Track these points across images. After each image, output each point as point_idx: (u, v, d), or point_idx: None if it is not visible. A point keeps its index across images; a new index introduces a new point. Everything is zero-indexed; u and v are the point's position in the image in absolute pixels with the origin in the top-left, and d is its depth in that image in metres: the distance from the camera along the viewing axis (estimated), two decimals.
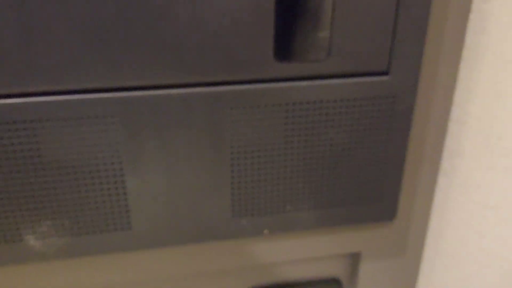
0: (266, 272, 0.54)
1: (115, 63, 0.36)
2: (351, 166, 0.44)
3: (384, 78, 0.41)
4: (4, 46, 0.34)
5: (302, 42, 0.38)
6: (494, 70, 0.40)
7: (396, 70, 0.41)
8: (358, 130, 0.42)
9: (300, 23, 0.37)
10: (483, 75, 0.41)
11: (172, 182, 0.41)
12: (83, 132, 0.38)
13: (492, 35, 0.40)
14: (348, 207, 0.46)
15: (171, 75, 0.37)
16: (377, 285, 0.54)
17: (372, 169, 0.44)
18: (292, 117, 0.41)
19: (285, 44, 0.38)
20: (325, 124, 0.42)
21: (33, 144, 0.37)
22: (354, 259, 0.54)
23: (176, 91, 0.38)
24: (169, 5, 0.35)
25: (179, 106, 0.38)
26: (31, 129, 0.37)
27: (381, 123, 0.42)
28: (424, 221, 0.50)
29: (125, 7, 0.34)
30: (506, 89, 0.39)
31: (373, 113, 0.42)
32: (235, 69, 0.38)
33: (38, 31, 0.34)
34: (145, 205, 0.41)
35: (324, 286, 0.56)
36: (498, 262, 0.43)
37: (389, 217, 0.47)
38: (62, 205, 0.40)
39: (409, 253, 0.52)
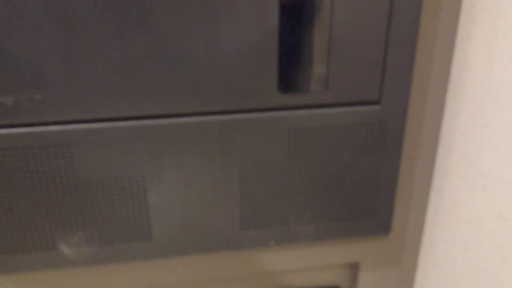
0: (270, 280, 0.59)
1: (140, 96, 0.42)
2: (348, 184, 0.49)
3: (376, 107, 0.46)
4: (49, 82, 0.40)
5: (303, 76, 0.43)
6: (476, 101, 0.45)
7: (386, 100, 0.46)
8: (353, 152, 0.47)
9: (301, 60, 0.43)
10: (467, 106, 0.46)
11: (187, 198, 0.47)
12: (111, 154, 0.43)
13: (473, 70, 0.45)
14: (346, 221, 0.51)
15: (188, 105, 0.43)
16: None
17: (368, 187, 0.49)
18: (294, 141, 0.46)
19: (287, 78, 0.43)
20: (324, 147, 0.47)
21: (68, 165, 0.43)
22: (354, 268, 0.59)
23: (192, 119, 0.43)
24: (186, 48, 0.40)
25: (194, 131, 0.44)
26: (68, 152, 0.43)
27: (374, 146, 0.47)
28: (418, 234, 0.55)
29: (149, 51, 0.40)
30: (485, 119, 0.44)
31: (367, 138, 0.47)
32: (243, 100, 0.44)
33: (78, 70, 0.40)
34: (164, 218, 0.47)
35: None
36: (480, 274, 0.48)
37: (384, 230, 0.52)
38: (92, 217, 0.46)
39: (404, 264, 0.57)
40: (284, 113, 0.45)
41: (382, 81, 0.45)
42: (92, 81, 0.40)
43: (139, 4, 0.39)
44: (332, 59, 0.43)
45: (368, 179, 0.49)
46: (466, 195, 0.47)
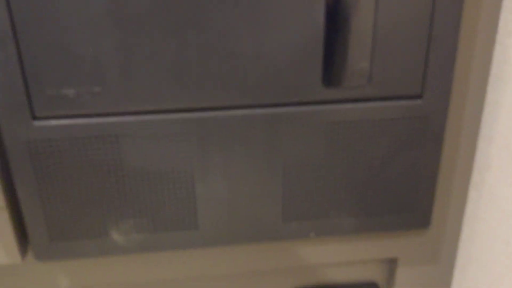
0: (309, 274, 0.60)
1: (192, 89, 0.44)
2: (388, 178, 0.50)
3: (418, 101, 0.47)
4: (108, 75, 0.42)
5: (346, 70, 0.45)
6: None
7: (428, 94, 0.47)
8: (394, 146, 0.48)
9: (345, 54, 0.44)
10: (507, 99, 0.47)
11: (233, 189, 0.48)
12: (162, 145, 0.46)
13: None
14: (386, 215, 0.51)
15: (236, 98, 0.45)
16: (409, 285, 0.59)
17: (408, 182, 0.50)
18: (336, 135, 0.47)
19: (331, 72, 0.45)
20: (365, 142, 0.48)
21: (122, 155, 0.45)
22: (391, 264, 0.59)
23: (239, 112, 0.45)
24: (236, 44, 0.42)
25: (241, 124, 0.46)
26: (122, 142, 0.45)
27: (415, 140, 0.48)
28: (457, 229, 0.55)
29: (202, 47, 0.42)
30: None
31: (408, 132, 0.48)
32: (288, 93, 0.45)
33: (135, 65, 0.42)
34: (210, 208, 0.49)
35: None
36: None
37: (424, 225, 0.53)
38: (142, 206, 0.48)
39: (443, 260, 0.57)
40: (327, 107, 0.46)
41: (424, 75, 0.46)
42: (148, 75, 0.43)
43: (194, 3, 0.41)
44: (376, 54, 0.45)
45: (408, 173, 0.50)
46: (506, 189, 0.48)
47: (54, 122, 0.44)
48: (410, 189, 0.51)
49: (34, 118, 0.44)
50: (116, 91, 0.43)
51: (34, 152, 0.44)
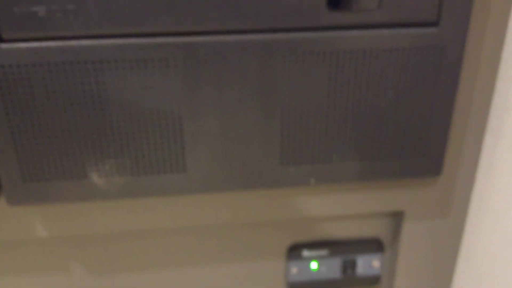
0: (307, 229, 0.55)
1: (179, 10, 0.39)
2: (397, 118, 0.45)
3: (433, 29, 0.42)
4: None
5: None
6: None
7: (445, 22, 0.41)
8: (405, 81, 0.43)
9: None
10: None
11: (225, 127, 0.43)
12: (145, 75, 0.41)
13: None
14: (393, 160, 0.47)
15: (229, 21, 0.40)
16: (420, 245, 0.55)
17: (419, 122, 0.45)
18: (342, 66, 0.42)
19: None
20: (373, 74, 0.43)
21: (99, 84, 0.40)
22: (397, 218, 0.55)
23: (233, 37, 0.40)
24: None
25: (234, 52, 0.41)
26: (98, 70, 0.40)
27: (429, 75, 0.43)
28: (470, 179, 0.51)
29: None
30: None
31: (421, 65, 0.43)
32: (288, 17, 0.40)
33: None
34: (199, 148, 0.44)
35: (365, 246, 0.57)
36: None
37: (435, 173, 0.48)
38: (124, 144, 0.43)
39: (453, 213, 0.53)
40: (332, 33, 0.41)
41: (441, 0, 0.41)
42: None
43: None
44: None
45: (420, 113, 0.45)
46: None
47: (23, 45, 0.39)
48: (421, 132, 0.46)
49: (1, 40, 0.39)
50: (93, 10, 0.38)
51: (2, 79, 0.39)
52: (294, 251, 0.56)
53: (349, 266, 0.57)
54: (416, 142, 0.46)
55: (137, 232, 0.53)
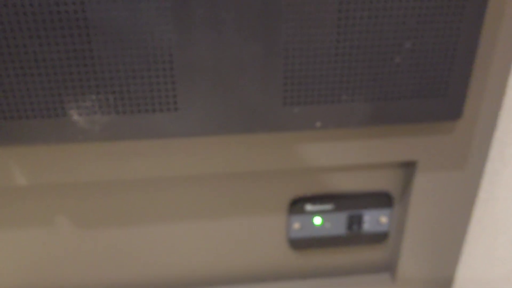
0: (311, 181, 0.51)
1: None
2: (416, 52, 0.40)
3: None
4: None
5: None
6: None
7: None
8: (426, 8, 0.38)
9: None
10: None
11: (220, 59, 0.38)
12: None
13: None
14: (409, 100, 0.42)
15: None
16: (432, 200, 0.51)
17: (439, 57, 0.40)
18: None
19: None
20: (390, 1, 0.38)
21: (78, 5, 0.35)
22: (408, 170, 0.51)
23: None
24: None
25: None
26: None
27: (452, 2, 0.38)
28: (490, 127, 0.46)
29: None
30: None
31: None
32: None
33: None
34: (192, 83, 0.39)
35: (373, 200, 0.52)
36: None
37: (454, 116, 0.43)
38: (106, 78, 0.38)
39: (470, 164, 0.48)
40: None
41: None
42: None
43: None
44: None
45: (441, 46, 0.40)
46: None
47: None
48: (441, 67, 0.41)
49: None
50: None
51: None
52: (297, 205, 0.52)
53: (355, 222, 0.53)
54: (436, 80, 0.41)
55: (124, 181, 0.48)
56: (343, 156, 0.47)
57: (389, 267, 0.58)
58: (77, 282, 0.55)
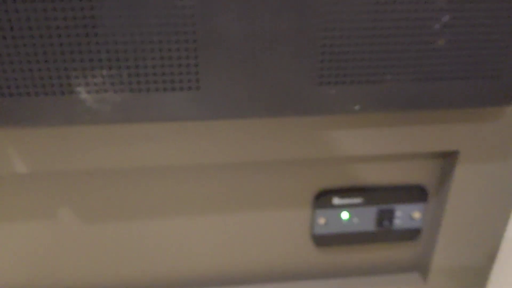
0: (340, 172, 0.46)
1: None
2: (466, 27, 0.35)
3: None
4: None
5: None
6: None
7: None
8: None
9: None
10: None
11: (249, 30, 0.34)
12: None
13: None
14: (457, 82, 0.37)
15: None
16: (472, 195, 0.46)
17: (492, 35, 0.35)
18: None
19: None
20: None
21: None
22: (447, 161, 0.46)
23: None
24: None
25: None
26: None
27: None
28: None
29: None
30: None
31: None
32: None
33: None
34: (216, 57, 0.34)
35: (406, 194, 0.48)
36: None
37: (506, 101, 0.39)
38: (120, 51, 0.33)
39: None
40: None
41: None
42: None
43: None
44: None
45: (495, 23, 0.35)
46: None
47: None
48: (494, 47, 0.36)
49: None
50: None
51: None
52: (323, 198, 0.47)
53: (385, 217, 0.49)
54: (488, 60, 0.37)
55: (136, 170, 0.44)
56: (379, 144, 0.42)
57: (420, 266, 0.54)
58: (79, 278, 0.50)
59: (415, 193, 0.48)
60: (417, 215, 0.49)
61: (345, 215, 0.48)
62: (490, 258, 0.51)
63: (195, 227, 0.48)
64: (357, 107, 0.37)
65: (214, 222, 0.48)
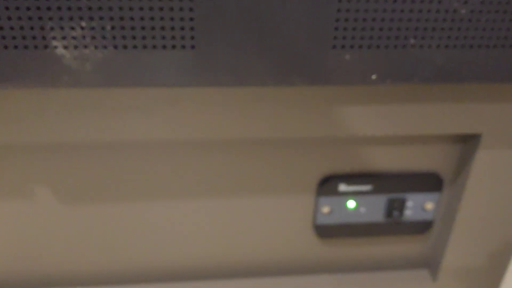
0: (347, 156, 0.42)
1: None
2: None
3: None
4: None
5: None
6: None
7: None
8: None
9: None
10: None
11: None
12: None
13: None
14: (492, 51, 0.33)
15: None
16: (493, 184, 0.42)
17: None
18: None
19: None
20: None
21: None
22: (467, 146, 0.42)
23: None
24: None
25: None
26: None
27: None
28: None
29: None
30: None
31: None
32: None
33: None
34: (215, 11, 0.29)
35: (419, 182, 0.44)
36: None
37: None
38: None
39: None
40: None
41: None
42: None
43: None
44: None
45: None
46: None
47: None
48: None
49: None
50: None
51: None
52: (328, 184, 0.43)
53: (396, 207, 0.44)
54: None
55: (120, 143, 0.39)
56: (393, 124, 0.38)
57: (429, 263, 0.49)
58: (60, 264, 0.45)
59: (429, 182, 0.44)
60: (429, 206, 0.45)
61: (351, 203, 0.44)
62: (507, 257, 0.47)
63: (187, 212, 0.43)
64: (374, 77, 0.33)
65: (207, 207, 0.43)
